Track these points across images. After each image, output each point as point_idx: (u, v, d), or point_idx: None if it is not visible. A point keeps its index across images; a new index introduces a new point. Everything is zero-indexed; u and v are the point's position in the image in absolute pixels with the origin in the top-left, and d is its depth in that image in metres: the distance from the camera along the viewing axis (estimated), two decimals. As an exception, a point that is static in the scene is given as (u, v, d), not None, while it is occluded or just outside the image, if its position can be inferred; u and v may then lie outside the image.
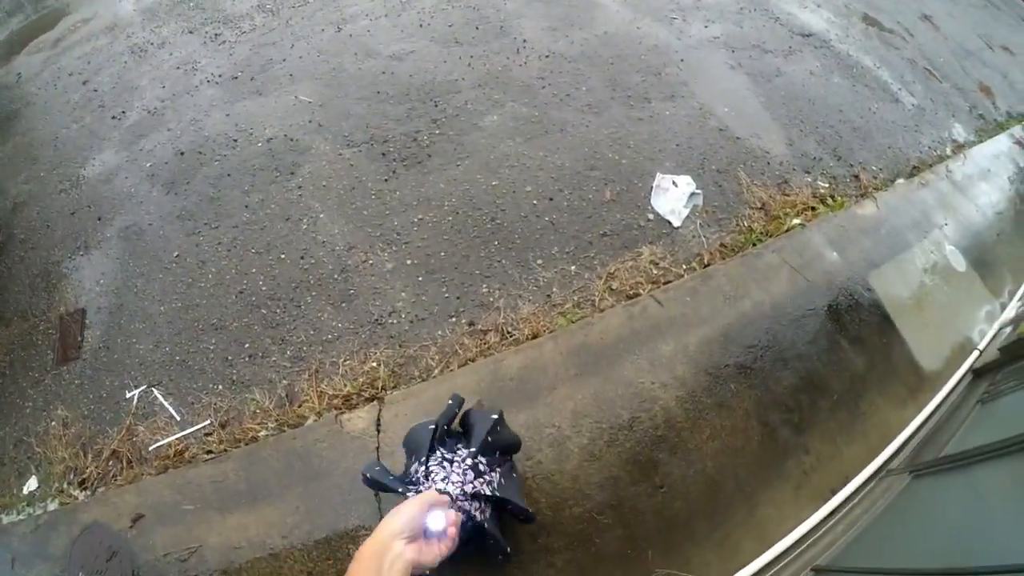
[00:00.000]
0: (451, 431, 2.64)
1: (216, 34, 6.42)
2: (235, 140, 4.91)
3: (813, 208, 4.79)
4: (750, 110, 5.70)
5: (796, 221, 4.62)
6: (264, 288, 3.91)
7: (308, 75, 5.54)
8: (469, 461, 2.39)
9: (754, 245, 4.33)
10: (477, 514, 2.30)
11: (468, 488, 2.28)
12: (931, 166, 6.10)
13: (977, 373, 4.22)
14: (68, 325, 3.98)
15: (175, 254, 4.20)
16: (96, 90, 6.04)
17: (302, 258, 4.03)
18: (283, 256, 4.06)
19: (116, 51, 6.62)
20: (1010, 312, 4.95)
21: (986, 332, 4.70)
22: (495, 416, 2.62)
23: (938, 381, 4.14)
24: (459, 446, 2.49)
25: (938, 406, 3.96)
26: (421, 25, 6.12)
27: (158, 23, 6.93)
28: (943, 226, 5.35)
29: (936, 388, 4.08)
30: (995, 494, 2.71)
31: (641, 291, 3.86)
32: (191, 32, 6.58)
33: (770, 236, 4.44)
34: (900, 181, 5.59)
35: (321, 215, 4.27)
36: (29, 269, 4.44)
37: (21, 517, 3.17)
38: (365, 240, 4.10)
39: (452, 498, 2.21)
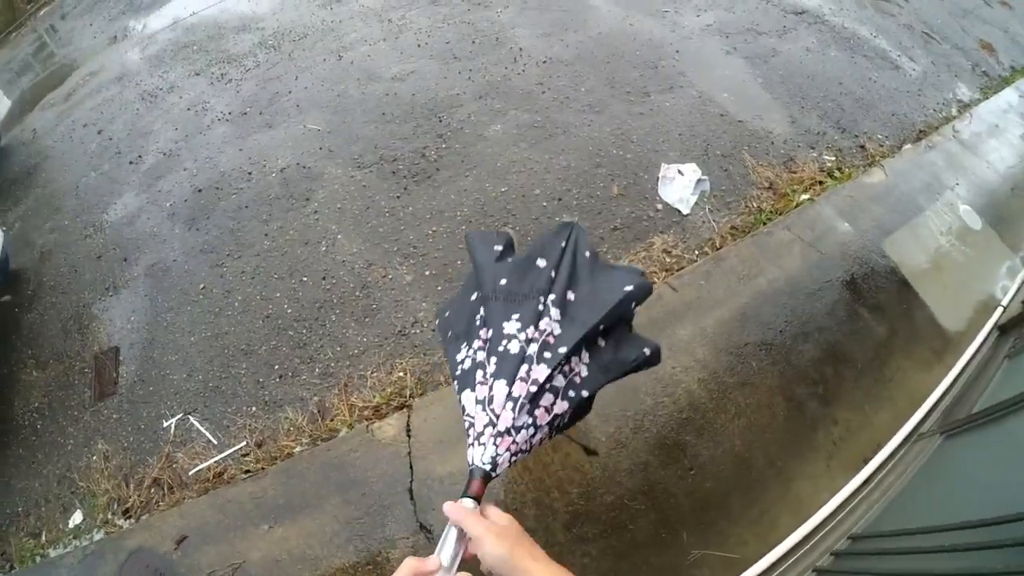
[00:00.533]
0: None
1: (222, 74, 6.62)
2: (250, 173, 5.07)
3: (821, 182, 4.80)
4: (750, 93, 5.73)
5: (805, 196, 4.63)
6: (289, 311, 4.03)
7: (314, 104, 5.70)
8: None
9: (764, 224, 4.35)
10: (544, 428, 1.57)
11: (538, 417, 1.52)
12: (937, 128, 6.06)
13: (1003, 329, 4.18)
14: (103, 363, 4.12)
15: (201, 286, 4.33)
16: (111, 138, 6.23)
17: (324, 279, 4.14)
18: (305, 279, 4.18)
19: (127, 99, 6.84)
20: None
21: (1008, 288, 4.65)
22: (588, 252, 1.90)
23: (963, 341, 4.10)
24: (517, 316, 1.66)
25: (965, 366, 3.93)
26: (419, 45, 6.29)
27: (165, 69, 7.16)
28: (955, 186, 5.32)
29: (962, 348, 4.05)
30: None
31: (656, 279, 3.90)
32: (198, 74, 6.78)
33: (780, 214, 4.46)
34: (907, 146, 5.57)
35: (339, 236, 4.39)
36: (61, 313, 4.59)
37: (68, 550, 3.27)
38: (383, 256, 4.21)
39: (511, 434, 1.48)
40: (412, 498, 3.01)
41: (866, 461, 3.34)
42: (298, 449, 3.33)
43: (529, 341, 1.56)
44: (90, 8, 11.37)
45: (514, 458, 1.45)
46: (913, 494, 3.06)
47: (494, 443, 1.43)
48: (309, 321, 3.95)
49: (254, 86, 6.21)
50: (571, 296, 1.72)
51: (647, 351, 1.86)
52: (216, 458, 3.44)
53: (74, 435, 3.83)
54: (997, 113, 7.02)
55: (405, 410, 3.34)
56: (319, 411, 3.50)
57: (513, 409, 1.46)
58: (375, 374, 3.58)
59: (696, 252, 4.16)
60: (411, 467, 3.12)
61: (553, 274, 1.75)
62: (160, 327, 4.21)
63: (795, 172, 4.81)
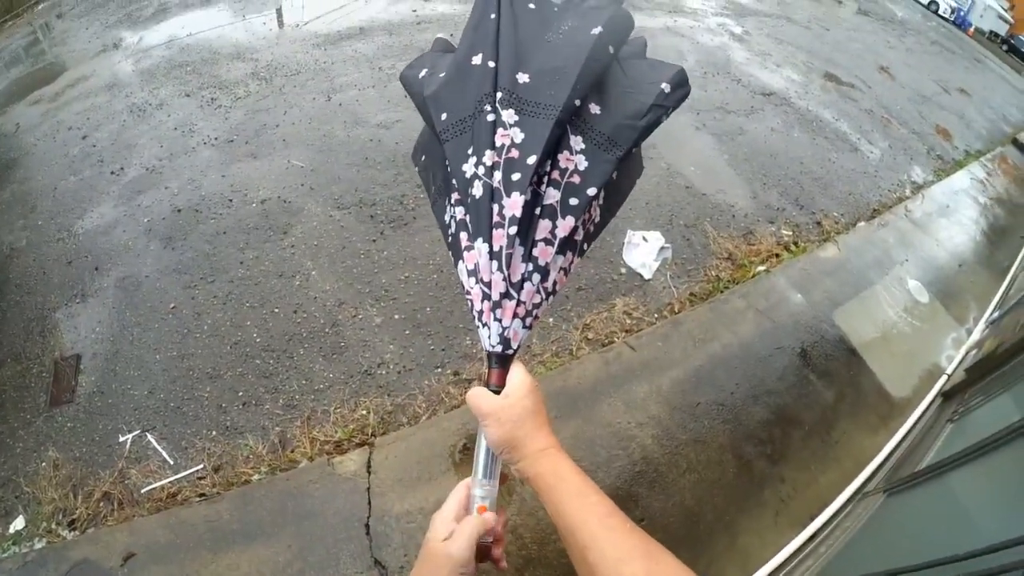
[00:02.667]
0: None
1: (212, 98, 6.69)
2: (231, 200, 5.11)
3: (777, 255, 5.10)
4: (715, 168, 6.09)
5: (761, 268, 4.92)
6: (258, 340, 4.06)
7: (300, 141, 5.81)
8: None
9: (721, 292, 4.61)
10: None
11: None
12: (891, 207, 6.47)
13: (947, 396, 4.44)
14: (62, 369, 4.05)
15: (171, 305, 4.33)
16: (95, 145, 6.22)
17: (295, 312, 4.20)
18: (277, 310, 4.23)
19: (115, 109, 6.83)
20: (975, 336, 5.21)
21: (953, 357, 4.94)
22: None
23: (908, 407, 4.37)
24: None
25: (910, 430, 4.18)
26: (406, 96, 6.50)
27: (156, 85, 7.19)
28: (904, 262, 5.66)
29: (907, 413, 4.31)
30: (970, 494, 2.89)
31: (616, 339, 4.09)
32: (188, 95, 6.83)
33: (737, 283, 4.73)
34: (861, 224, 5.93)
35: (313, 272, 4.46)
36: (24, 313, 4.51)
37: (7, 555, 3.18)
38: (355, 296, 4.30)
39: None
40: (368, 533, 3.05)
41: (812, 518, 3.51)
42: (256, 477, 3.34)
43: (491, 170, 1.18)
44: (88, 12, 11.40)
45: (529, 319, 1.19)
46: (857, 548, 3.21)
47: (495, 318, 1.17)
48: (277, 352, 3.99)
49: (243, 115, 6.28)
50: (522, 78, 1.25)
51: (666, 85, 1.35)
52: (171, 478, 3.41)
53: (24, 439, 3.74)
54: (949, 195, 7.48)
55: (366, 447, 3.40)
56: (280, 441, 3.52)
57: (500, 268, 1.16)
58: (339, 410, 3.63)
59: (656, 315, 4.37)
60: (369, 503, 3.15)
61: (492, 63, 1.27)
62: (125, 341, 4.17)
63: (753, 244, 5.10)
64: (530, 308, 1.18)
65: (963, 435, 3.55)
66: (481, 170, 1.19)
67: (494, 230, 1.17)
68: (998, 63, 23.58)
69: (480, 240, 1.18)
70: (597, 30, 1.29)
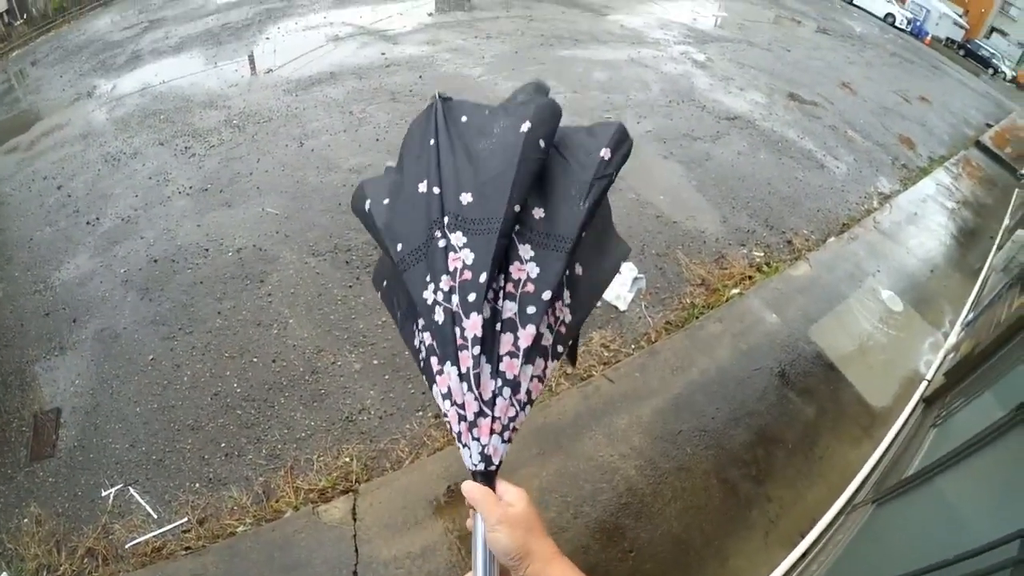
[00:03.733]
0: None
1: (186, 147, 6.71)
2: (206, 250, 5.12)
3: (750, 277, 5.20)
4: (684, 195, 6.22)
5: (735, 291, 5.01)
6: (238, 390, 4.05)
7: (274, 188, 5.84)
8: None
9: (697, 318, 4.68)
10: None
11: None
12: (860, 220, 6.61)
13: (928, 401, 4.51)
14: (42, 423, 4.01)
15: (150, 357, 4.31)
16: (70, 195, 6.21)
17: (274, 361, 4.20)
18: (256, 360, 4.23)
19: (90, 159, 6.84)
20: (952, 339, 5.30)
21: (932, 362, 5.03)
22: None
23: (890, 416, 4.44)
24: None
25: (893, 439, 4.23)
26: (377, 139, 6.60)
27: (130, 134, 7.21)
28: (876, 273, 5.77)
29: (889, 422, 4.37)
30: (960, 495, 2.94)
31: (594, 372, 4.14)
32: (162, 144, 6.85)
33: (712, 308, 4.81)
34: (831, 239, 6.06)
35: (290, 320, 4.48)
36: (2, 366, 4.46)
37: None
38: (333, 343, 4.32)
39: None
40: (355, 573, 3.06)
41: (802, 535, 3.54)
42: (241, 528, 3.33)
43: (449, 295, 1.20)
44: (62, 59, 11.50)
45: (507, 433, 1.20)
46: (849, 561, 3.24)
47: (473, 437, 1.17)
48: (258, 402, 3.98)
49: (216, 163, 6.31)
50: (466, 198, 1.27)
51: (605, 151, 1.37)
52: (156, 532, 3.37)
53: (5, 494, 3.68)
54: (916, 202, 7.66)
55: (351, 494, 3.40)
56: (264, 491, 3.52)
57: (471, 388, 1.16)
58: (322, 458, 3.64)
59: (632, 346, 4.43)
60: (356, 550, 3.15)
61: (437, 189, 1.28)
62: (105, 394, 4.14)
63: (726, 268, 5.20)
64: (506, 423, 1.19)
65: (947, 438, 3.60)
66: (440, 296, 1.22)
67: (459, 352, 1.19)
68: (956, 68, 24.20)
69: (448, 363, 1.20)
70: (525, 126, 1.31)
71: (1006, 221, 7.93)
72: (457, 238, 1.23)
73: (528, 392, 1.23)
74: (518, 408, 1.22)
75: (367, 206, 1.48)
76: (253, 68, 8.81)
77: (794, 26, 17.56)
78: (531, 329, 1.21)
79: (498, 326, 1.20)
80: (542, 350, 1.25)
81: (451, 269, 1.21)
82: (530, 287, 1.23)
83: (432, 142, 1.36)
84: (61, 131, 7.79)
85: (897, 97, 12.68)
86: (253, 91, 7.92)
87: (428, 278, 1.25)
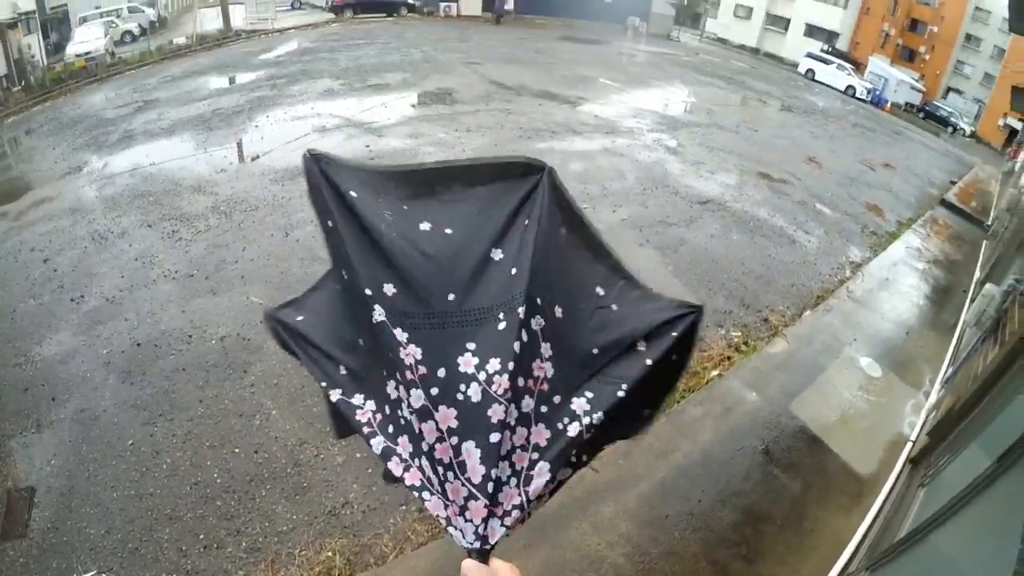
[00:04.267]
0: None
1: (174, 231, 6.79)
2: (190, 336, 5.14)
3: (729, 357, 5.34)
4: (661, 280, 6.42)
5: (714, 373, 5.15)
6: (219, 480, 4.01)
7: (259, 277, 5.91)
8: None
9: (678, 403, 4.76)
10: None
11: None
12: (833, 291, 6.86)
13: (914, 462, 4.50)
14: (16, 501, 3.90)
15: (129, 442, 4.25)
16: (56, 270, 6.21)
17: (256, 452, 4.18)
18: (237, 450, 4.20)
19: (77, 235, 6.89)
20: (933, 398, 5.40)
21: (915, 423, 5.10)
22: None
23: (878, 481, 4.45)
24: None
25: (883, 504, 4.21)
26: None
27: (119, 213, 7.29)
28: (852, 342, 5.97)
29: (877, 488, 4.38)
30: (955, 550, 2.95)
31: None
32: (150, 226, 6.93)
33: (692, 391, 4.91)
34: (807, 313, 6.29)
35: (273, 412, 4.47)
36: None
37: None
38: (316, 436, 4.30)
39: None
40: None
41: (799, 610, 3.57)
42: None
43: (408, 389, 1.19)
44: (56, 131, 11.69)
45: (509, 519, 1.16)
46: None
47: (466, 519, 1.13)
48: (239, 493, 3.93)
49: (203, 249, 6.38)
50: (389, 289, 1.25)
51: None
52: None
53: None
54: (887, 267, 7.97)
55: None
56: None
57: (456, 476, 1.14)
58: (304, 552, 3.58)
59: (615, 433, 4.57)
60: None
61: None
62: (82, 476, 4.05)
63: (704, 351, 5.38)
64: (508, 508, 1.18)
65: (937, 496, 3.61)
66: (402, 391, 1.23)
67: (437, 444, 1.20)
68: (917, 131, 25.32)
69: (421, 458, 1.22)
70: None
71: (977, 274, 8.17)
72: (399, 334, 1.24)
73: (541, 489, 1.22)
74: (524, 499, 1.20)
75: (293, 324, 1.48)
76: (241, 156, 9.03)
77: (760, 106, 18.50)
78: (542, 428, 1.23)
79: (513, 418, 1.20)
80: (571, 457, 1.24)
81: (406, 363, 1.22)
82: (545, 386, 1.25)
83: (330, 224, 1.35)
84: (51, 203, 7.90)
85: (862, 166, 13.28)
86: (241, 178, 8.11)
87: (386, 373, 1.28)
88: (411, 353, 1.25)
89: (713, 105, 16.44)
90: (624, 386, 1.33)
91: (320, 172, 1.38)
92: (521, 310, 1.25)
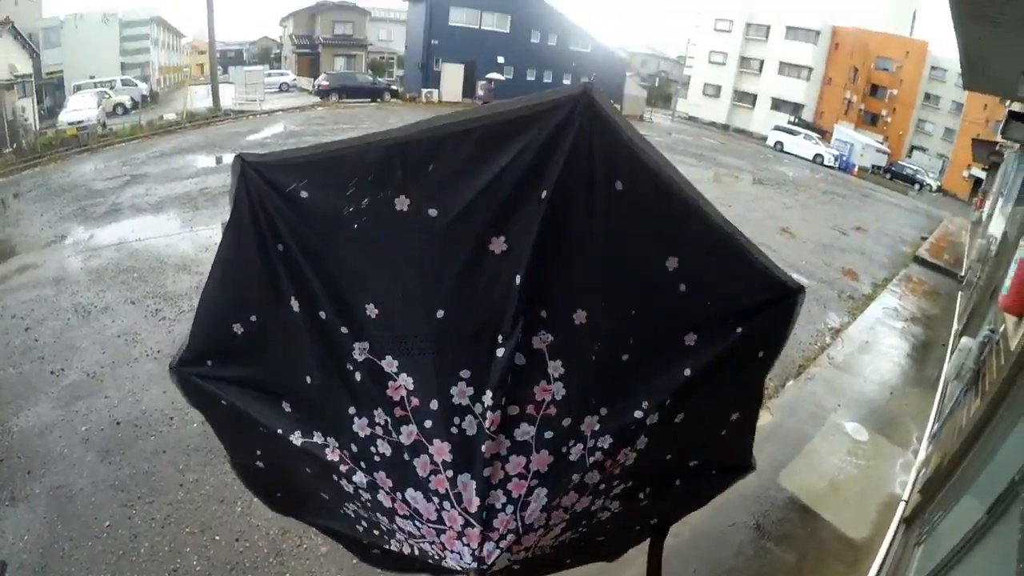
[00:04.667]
0: None
1: (157, 309, 6.74)
2: (171, 418, 5.01)
3: (715, 433, 5.52)
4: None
5: (700, 450, 5.31)
6: (199, 568, 3.86)
7: None
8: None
9: (666, 481, 4.91)
10: None
11: None
12: (814, 359, 7.01)
13: (908, 521, 4.45)
14: None
15: (107, 523, 4.09)
16: (37, 340, 6.10)
17: (237, 540, 4.04)
18: (218, 537, 4.06)
19: (61, 306, 6.81)
20: (922, 454, 5.38)
21: (906, 482, 5.07)
22: None
23: (873, 545, 4.41)
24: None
25: (880, 568, 4.13)
26: None
27: (103, 287, 7.26)
28: (837, 408, 6.08)
29: (873, 552, 4.32)
30: None
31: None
32: (133, 303, 6.87)
33: (679, 470, 5.06)
34: (790, 383, 6.43)
35: (255, 499, 4.28)
36: None
37: None
38: (299, 525, 3.94)
39: None
40: None
41: None
42: None
43: (397, 426, 1.14)
44: (44, 197, 11.73)
45: (505, 542, 1.15)
46: None
47: (463, 543, 1.12)
48: None
49: (186, 329, 6.23)
50: (372, 311, 1.11)
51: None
52: None
53: None
54: (866, 330, 8.19)
55: None
56: None
57: (453, 506, 1.11)
58: None
59: (605, 515, 4.61)
60: None
61: (322, 310, 1.15)
62: (55, 555, 3.86)
63: (690, 428, 5.56)
64: (504, 533, 1.16)
65: (934, 554, 3.56)
66: (379, 429, 1.14)
67: (432, 476, 1.15)
68: (886, 192, 26.22)
69: (411, 490, 1.17)
70: (427, 208, 1.10)
71: (955, 326, 8.34)
72: (388, 365, 1.11)
73: (537, 515, 1.20)
74: (519, 524, 1.17)
75: (208, 372, 1.34)
76: None
77: (733, 181, 19.29)
78: (545, 455, 1.17)
79: (505, 448, 1.14)
80: (572, 480, 1.19)
81: (395, 399, 1.12)
82: (552, 410, 1.15)
83: (280, 248, 1.15)
84: (35, 271, 7.87)
85: (834, 232, 13.78)
86: None
87: (353, 410, 1.17)
88: (402, 385, 1.15)
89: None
90: (666, 401, 1.15)
91: (262, 179, 1.16)
92: (519, 329, 1.09)
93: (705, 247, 1.23)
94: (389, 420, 1.16)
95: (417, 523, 1.19)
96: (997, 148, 15.19)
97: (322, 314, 1.13)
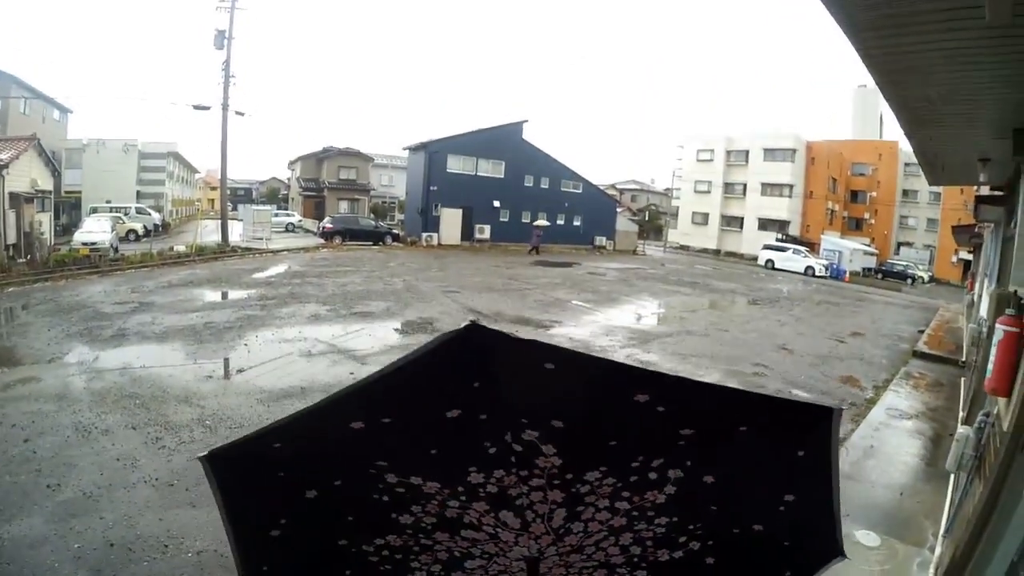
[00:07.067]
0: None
1: (157, 437, 6.69)
2: (166, 546, 4.88)
3: (714, 560, 5.45)
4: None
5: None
6: None
7: None
8: None
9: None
10: None
11: None
12: (818, 473, 7.09)
13: None
14: None
15: None
16: (35, 452, 6.04)
17: None
18: None
19: (61, 423, 6.79)
20: (938, 550, 5.20)
21: (924, 581, 4.83)
22: None
23: None
24: None
25: None
26: None
27: (104, 409, 7.27)
28: (845, 518, 6.06)
29: None
30: None
31: None
32: (134, 428, 6.84)
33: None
34: (794, 496, 6.50)
35: None
36: None
37: None
38: None
39: None
40: None
41: None
42: None
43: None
44: (53, 313, 11.95)
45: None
46: None
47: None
48: None
49: (185, 460, 6.17)
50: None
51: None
52: None
53: None
54: (870, 435, 8.13)
55: None
56: None
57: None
58: None
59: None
60: None
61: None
62: None
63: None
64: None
65: None
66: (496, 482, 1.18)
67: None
68: (879, 292, 26.68)
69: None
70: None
71: (961, 414, 8.22)
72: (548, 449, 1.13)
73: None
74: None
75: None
76: (228, 373, 9.22)
77: (729, 306, 19.82)
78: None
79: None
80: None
81: (540, 466, 1.14)
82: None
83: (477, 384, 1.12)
84: (38, 384, 7.93)
85: (831, 341, 14.03)
86: (228, 395, 8.17)
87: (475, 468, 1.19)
88: (551, 462, 1.21)
89: (683, 312, 17.60)
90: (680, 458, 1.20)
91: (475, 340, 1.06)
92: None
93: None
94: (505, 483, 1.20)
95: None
96: (976, 230, 15.71)
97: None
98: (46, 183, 22.09)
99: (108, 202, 32.33)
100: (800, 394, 9.74)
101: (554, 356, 1.06)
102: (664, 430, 1.16)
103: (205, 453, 1.31)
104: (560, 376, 1.04)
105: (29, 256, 18.06)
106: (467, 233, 34.51)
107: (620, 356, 11.63)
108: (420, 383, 1.11)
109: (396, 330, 12.92)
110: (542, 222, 35.40)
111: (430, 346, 1.01)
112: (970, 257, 25.65)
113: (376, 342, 11.48)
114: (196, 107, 26.18)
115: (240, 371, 9.27)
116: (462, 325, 0.92)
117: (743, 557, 1.33)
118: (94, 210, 29.41)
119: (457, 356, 1.02)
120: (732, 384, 9.91)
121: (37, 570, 4.48)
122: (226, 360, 9.77)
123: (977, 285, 15.10)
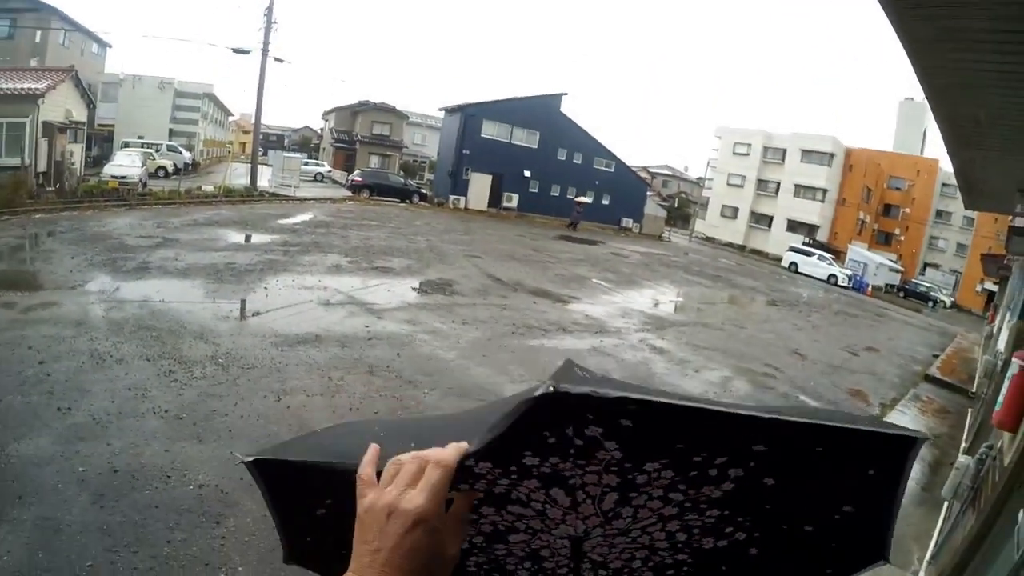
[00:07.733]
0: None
1: (170, 370, 6.78)
2: (169, 476, 4.98)
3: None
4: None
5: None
6: None
7: (246, 435, 5.79)
8: None
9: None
10: None
11: None
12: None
13: None
14: None
15: (88, 563, 3.97)
16: (49, 375, 6.14)
17: None
18: None
19: (77, 348, 6.90)
20: (921, 574, 5.31)
21: (914, 606, 4.88)
22: None
23: None
24: None
25: None
26: (351, 408, 6.69)
27: (121, 339, 7.38)
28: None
29: None
30: None
31: None
32: (148, 360, 6.94)
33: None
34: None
35: (240, 568, 4.21)
36: None
37: None
38: None
39: None
40: None
41: None
42: None
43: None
44: (78, 242, 12.12)
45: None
46: None
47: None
48: None
49: (195, 395, 6.34)
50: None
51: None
52: None
53: None
54: (871, 453, 8.13)
55: None
56: None
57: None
58: None
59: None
60: None
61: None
62: None
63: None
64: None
65: None
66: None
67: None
68: (899, 310, 26.28)
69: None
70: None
71: (963, 444, 8.17)
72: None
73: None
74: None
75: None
76: (244, 314, 9.35)
77: (748, 303, 19.66)
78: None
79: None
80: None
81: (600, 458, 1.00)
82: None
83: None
84: (58, 309, 8.09)
85: (845, 353, 13.87)
86: (243, 336, 8.24)
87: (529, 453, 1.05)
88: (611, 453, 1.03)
89: (700, 304, 17.47)
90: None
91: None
92: None
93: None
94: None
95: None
96: (1005, 262, 15.38)
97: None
98: (80, 115, 22.21)
99: (140, 137, 32.44)
100: (807, 401, 9.69)
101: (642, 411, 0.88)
102: (734, 444, 1.10)
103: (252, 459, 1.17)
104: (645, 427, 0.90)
105: (58, 185, 18.20)
106: (495, 200, 34.37)
107: (634, 339, 11.63)
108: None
109: (414, 288, 12.95)
110: (584, 199, 35.09)
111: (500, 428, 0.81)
112: (995, 288, 25.17)
113: (394, 298, 11.51)
114: (236, 50, 26.07)
115: (257, 314, 9.38)
116: (538, 392, 0.66)
117: (786, 552, 1.32)
118: (126, 144, 29.50)
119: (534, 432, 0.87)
120: (739, 383, 10.11)
121: (40, 488, 4.59)
122: (244, 301, 9.88)
123: (999, 317, 14.89)
